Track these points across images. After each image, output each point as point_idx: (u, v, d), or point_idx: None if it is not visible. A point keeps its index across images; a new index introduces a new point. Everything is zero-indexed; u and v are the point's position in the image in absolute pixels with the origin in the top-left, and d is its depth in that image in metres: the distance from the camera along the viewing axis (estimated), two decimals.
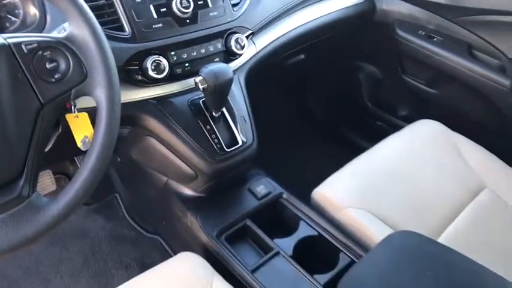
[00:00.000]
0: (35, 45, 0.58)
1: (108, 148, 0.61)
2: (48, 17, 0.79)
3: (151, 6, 0.85)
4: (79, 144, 0.78)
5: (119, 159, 1.28)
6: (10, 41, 0.57)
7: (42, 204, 0.59)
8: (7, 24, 0.86)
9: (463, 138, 1.19)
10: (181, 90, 0.91)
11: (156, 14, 0.85)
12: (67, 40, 0.60)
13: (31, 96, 0.57)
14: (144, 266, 1.27)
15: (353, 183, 1.03)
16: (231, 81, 0.85)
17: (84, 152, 0.79)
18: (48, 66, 0.59)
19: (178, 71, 0.88)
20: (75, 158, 1.39)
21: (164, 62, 0.84)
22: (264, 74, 1.11)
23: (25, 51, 0.57)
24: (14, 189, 0.58)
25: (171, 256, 0.88)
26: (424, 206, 1.01)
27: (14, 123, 0.56)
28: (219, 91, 0.85)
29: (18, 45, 0.57)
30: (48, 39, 0.59)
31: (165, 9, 0.86)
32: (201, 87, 0.83)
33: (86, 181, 0.60)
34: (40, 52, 0.58)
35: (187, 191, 1.03)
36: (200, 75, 0.83)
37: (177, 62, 0.87)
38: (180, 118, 0.89)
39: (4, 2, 0.85)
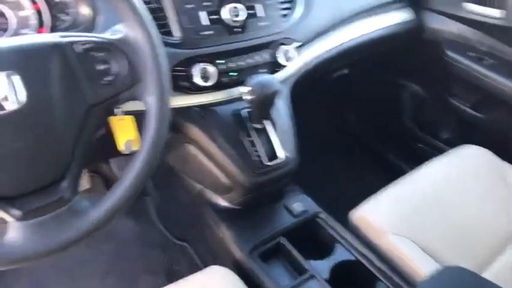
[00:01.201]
0: (89, 45, 0.57)
1: (154, 156, 0.59)
2: (99, 18, 0.78)
3: (202, 12, 0.83)
4: (121, 147, 0.77)
5: None
6: (65, 39, 0.56)
7: (83, 209, 0.58)
8: (57, 23, 0.86)
9: (510, 167, 1.13)
10: (226, 99, 0.89)
11: (206, 20, 0.83)
12: (121, 42, 0.58)
13: (80, 97, 0.56)
14: (170, 273, 1.25)
15: (395, 208, 0.99)
16: (277, 93, 0.82)
17: (122, 154, 0.78)
18: (99, 68, 0.57)
19: (225, 79, 0.86)
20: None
21: (212, 69, 0.82)
22: (306, 87, 1.08)
23: (79, 51, 0.56)
24: (56, 191, 0.57)
25: (198, 265, 0.86)
26: (469, 237, 0.95)
27: (61, 124, 0.55)
28: (265, 103, 0.82)
29: (72, 44, 0.56)
30: (102, 40, 0.58)
31: (215, 16, 0.84)
32: (247, 97, 0.81)
33: (130, 188, 0.58)
34: (93, 53, 0.57)
35: (222, 202, 1.00)
36: (247, 86, 0.81)
37: (224, 70, 0.85)
38: (222, 128, 0.87)
39: (56, 0, 0.86)
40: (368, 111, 1.77)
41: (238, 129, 0.88)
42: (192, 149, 0.91)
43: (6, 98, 0.50)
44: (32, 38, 0.55)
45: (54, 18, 0.86)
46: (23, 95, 0.51)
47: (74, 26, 0.86)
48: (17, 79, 0.51)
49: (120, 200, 0.58)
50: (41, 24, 0.84)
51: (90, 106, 0.57)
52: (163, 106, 0.59)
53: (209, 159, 0.89)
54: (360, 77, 1.59)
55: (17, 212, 0.55)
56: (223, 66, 0.85)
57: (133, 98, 0.60)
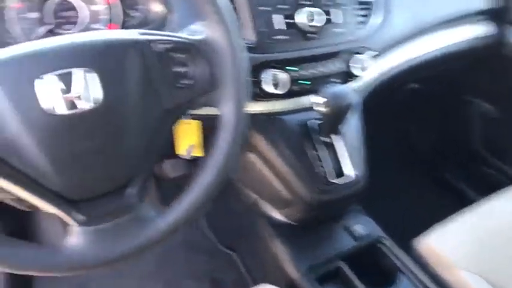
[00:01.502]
0: (169, 45, 0.53)
1: (227, 167, 0.55)
2: (173, 16, 0.75)
3: (276, 16, 0.78)
4: (182, 151, 0.73)
5: None
6: (144, 37, 0.52)
7: (149, 218, 0.54)
8: (127, 19, 0.84)
9: None
10: (294, 108, 0.83)
11: (281, 24, 0.78)
12: (202, 44, 0.54)
13: (156, 100, 0.52)
14: (214, 281, 1.21)
15: (466, 241, 0.90)
16: (352, 107, 0.76)
17: (178, 157, 0.74)
18: (177, 70, 0.53)
19: (296, 88, 0.80)
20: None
21: (283, 76, 0.77)
22: (376, 100, 1.00)
23: (157, 50, 0.52)
24: (122, 197, 0.53)
25: (245, 277, 0.81)
26: None
27: (134, 127, 0.52)
28: (338, 116, 0.76)
29: (151, 43, 0.52)
30: (183, 40, 0.53)
31: (290, 20, 0.79)
32: (320, 109, 0.75)
33: (200, 199, 0.54)
34: (172, 54, 0.53)
35: (278, 216, 0.95)
36: (321, 97, 0.75)
37: (296, 78, 0.80)
38: (288, 138, 0.82)
39: None
40: (433, 130, 1.66)
41: (305, 141, 0.82)
42: (253, 158, 0.87)
43: (79, 97, 0.47)
44: (110, 34, 0.52)
45: (124, 14, 0.84)
46: (98, 94, 0.48)
47: (144, 23, 0.84)
48: (93, 77, 0.48)
49: (189, 210, 0.54)
50: (111, 19, 0.82)
51: (165, 110, 0.53)
52: (240, 115, 0.55)
53: (270, 170, 0.84)
54: (429, 92, 1.49)
55: (80, 217, 0.51)
56: (295, 74, 0.80)
57: (209, 104, 0.56)
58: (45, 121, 0.47)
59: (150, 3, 0.81)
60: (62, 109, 0.47)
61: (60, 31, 0.79)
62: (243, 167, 0.94)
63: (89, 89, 0.47)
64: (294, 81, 0.80)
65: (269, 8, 0.78)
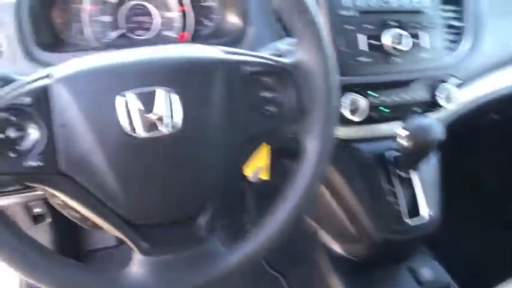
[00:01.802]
0: (258, 68, 0.48)
1: (304, 203, 0.49)
2: (250, 30, 0.70)
3: (361, 36, 0.72)
4: (249, 173, 0.68)
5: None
6: (230, 57, 0.47)
7: (218, 253, 0.49)
8: (200, 28, 0.81)
9: None
10: (370, 136, 0.76)
11: (365, 45, 0.72)
12: (293, 67, 0.48)
13: (238, 127, 0.47)
14: None
15: None
16: (437, 142, 0.68)
17: (244, 179, 0.69)
18: (264, 95, 0.48)
19: (374, 114, 0.74)
20: None
21: (363, 102, 0.71)
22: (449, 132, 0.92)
23: (245, 72, 0.47)
24: (191, 227, 0.49)
25: None
26: None
27: (212, 154, 0.47)
28: (421, 152, 0.69)
29: (238, 64, 0.47)
30: (273, 63, 0.48)
31: (375, 41, 0.73)
32: (401, 142, 0.68)
33: (274, 234, 0.49)
34: (260, 77, 0.48)
35: (339, 249, 0.88)
36: (403, 128, 0.68)
37: (375, 104, 0.73)
38: (362, 169, 0.75)
39: (202, 4, 0.80)
40: (507, 169, 1.53)
41: (379, 173, 0.76)
42: (320, 187, 0.80)
43: (160, 119, 0.43)
44: (195, 51, 0.48)
45: (197, 22, 0.80)
46: (179, 117, 0.44)
47: (216, 34, 0.80)
48: (176, 98, 0.43)
49: (262, 246, 0.49)
50: (184, 27, 0.78)
51: (246, 138, 0.48)
52: (326, 151, 0.49)
53: (338, 201, 0.78)
54: (506, 126, 1.37)
55: (145, 245, 0.47)
56: (375, 100, 0.73)
57: (293, 134, 0.50)
58: (121, 141, 0.43)
59: (226, 13, 0.77)
60: (140, 130, 0.42)
61: (132, 36, 0.76)
62: None
63: (171, 111, 0.43)
64: (372, 107, 0.73)
65: (354, 27, 0.72)
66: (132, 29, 0.76)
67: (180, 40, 0.78)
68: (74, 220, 0.63)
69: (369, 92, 0.72)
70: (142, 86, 0.43)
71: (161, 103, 0.43)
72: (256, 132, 0.48)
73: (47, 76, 0.44)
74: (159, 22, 0.77)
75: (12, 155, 0.42)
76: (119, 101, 0.42)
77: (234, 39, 0.70)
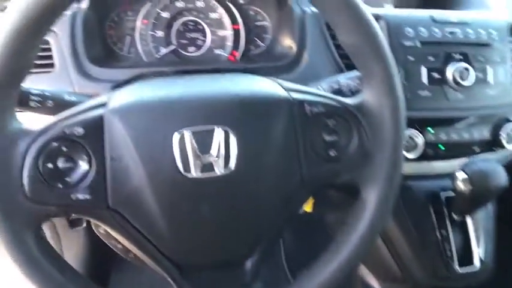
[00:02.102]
0: (321, 109, 0.45)
1: (358, 257, 0.46)
2: (305, 55, 0.67)
3: (423, 68, 0.68)
4: None
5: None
6: (293, 95, 0.45)
7: None
8: (251, 47, 0.78)
9: None
10: (423, 174, 0.72)
11: (427, 79, 0.68)
12: (359, 109, 0.45)
13: (295, 171, 0.44)
14: None
15: None
16: (500, 189, 0.63)
17: None
18: (326, 138, 0.45)
19: (430, 152, 0.69)
20: None
21: (419, 139, 0.67)
22: None
23: (307, 113, 0.44)
24: (236, 272, 0.46)
25: None
26: None
27: (265, 198, 0.44)
28: (480, 198, 0.64)
29: (302, 103, 0.44)
30: (337, 104, 0.45)
31: (437, 75, 0.68)
32: (460, 186, 0.63)
33: (326, 280, 0.45)
34: (323, 118, 0.45)
35: (377, 286, 0.84)
36: (463, 171, 0.63)
37: (432, 141, 0.69)
38: (411, 208, 0.71)
39: (257, 23, 0.78)
40: None
41: (431, 214, 0.71)
42: None
43: (217, 160, 0.40)
44: (256, 86, 0.45)
45: (249, 41, 0.78)
46: (234, 158, 0.41)
47: (267, 55, 0.77)
48: (234, 138, 0.41)
49: None
50: (235, 46, 0.77)
51: (303, 183, 0.45)
52: (389, 200, 0.45)
53: (384, 238, 0.74)
54: None
55: (187, 286, 0.45)
56: (432, 137, 0.69)
57: (351, 183, 0.47)
58: (173, 180, 0.41)
59: (280, 34, 0.75)
60: (195, 171, 0.40)
61: (183, 52, 0.75)
62: None
63: (228, 151, 0.41)
64: (428, 144, 0.69)
65: (415, 59, 0.68)
66: (183, 45, 0.75)
67: (231, 60, 0.76)
68: (115, 250, 0.62)
69: (427, 128, 0.68)
70: (201, 123, 0.41)
71: (219, 143, 0.41)
72: (314, 177, 0.45)
73: (102, 105, 0.42)
74: (212, 40, 0.76)
75: (60, 186, 0.40)
76: (176, 139, 0.40)
77: (288, 64, 0.67)
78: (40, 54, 0.61)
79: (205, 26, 0.75)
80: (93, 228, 0.62)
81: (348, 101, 0.46)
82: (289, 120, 0.43)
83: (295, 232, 1.14)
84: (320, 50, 0.67)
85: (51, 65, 0.62)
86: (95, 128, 0.40)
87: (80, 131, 0.40)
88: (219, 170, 0.41)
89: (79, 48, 0.63)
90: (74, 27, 0.63)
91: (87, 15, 0.65)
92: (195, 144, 0.40)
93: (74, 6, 0.65)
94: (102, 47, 0.72)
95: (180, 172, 0.40)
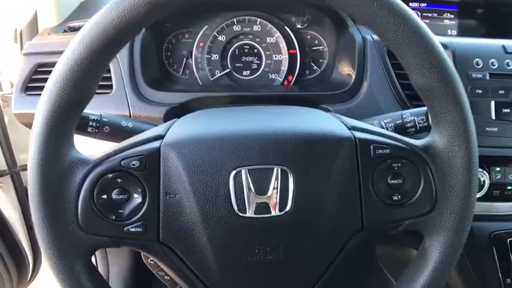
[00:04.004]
0: (386, 150, 0.42)
1: None
2: (365, 85, 0.64)
3: (492, 102, 0.64)
4: None
5: None
6: (359, 135, 0.42)
7: None
8: (307, 72, 0.77)
9: None
10: (485, 214, 0.67)
11: (495, 114, 0.63)
12: (427, 152, 0.42)
13: (354, 212, 0.42)
14: None
15: None
16: None
17: None
18: (389, 181, 0.42)
19: (496, 192, 0.65)
20: None
21: (485, 177, 0.63)
22: None
23: (371, 154, 0.42)
24: None
25: None
26: None
27: (321, 240, 0.42)
28: None
29: (365, 144, 0.42)
30: (403, 145, 0.42)
31: (505, 109, 0.64)
32: None
33: None
34: (388, 161, 0.42)
35: None
36: None
37: (498, 181, 0.64)
38: (471, 251, 0.65)
39: (314, 48, 0.76)
40: None
41: (493, 259, 0.66)
42: None
43: (274, 201, 0.39)
44: (319, 124, 0.43)
45: (304, 66, 0.76)
46: (290, 201, 0.40)
47: (322, 81, 0.76)
48: (291, 179, 0.39)
49: None
50: (290, 71, 0.75)
51: (364, 228, 0.42)
52: (455, 253, 0.42)
53: None
54: None
55: None
56: (499, 176, 0.64)
57: (416, 231, 0.44)
58: (228, 219, 0.39)
59: (338, 61, 0.72)
60: (250, 211, 0.39)
61: (237, 76, 0.74)
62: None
63: (286, 192, 0.39)
64: (495, 185, 0.64)
65: (483, 92, 0.64)
66: (238, 69, 0.75)
67: (285, 85, 0.75)
68: (162, 280, 0.62)
69: (495, 167, 0.64)
70: (260, 163, 0.39)
71: (276, 184, 0.39)
72: (375, 223, 0.42)
73: (159, 138, 0.41)
74: (267, 64, 0.75)
75: (113, 217, 0.40)
76: (232, 176, 0.39)
77: (346, 92, 0.65)
78: None
79: (261, 50, 0.74)
80: (143, 258, 0.62)
81: (416, 142, 0.43)
82: (351, 162, 0.41)
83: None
84: (381, 80, 0.64)
85: (109, 86, 0.63)
86: (151, 161, 0.40)
87: (135, 163, 0.40)
88: (275, 211, 0.39)
89: (136, 71, 0.63)
90: (133, 50, 0.64)
91: (145, 38, 0.66)
92: (251, 184, 0.39)
93: None
94: (158, 69, 0.72)
95: (234, 211, 0.39)
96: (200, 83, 0.73)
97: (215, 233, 0.40)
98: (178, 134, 0.42)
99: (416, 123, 0.51)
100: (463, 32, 0.80)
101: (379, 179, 0.42)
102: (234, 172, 0.39)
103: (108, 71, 0.63)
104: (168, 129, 0.43)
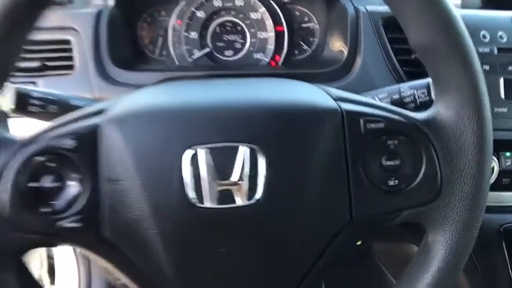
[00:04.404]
0: (380, 125, 0.35)
1: None
2: (358, 60, 0.58)
3: (501, 80, 0.57)
4: None
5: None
6: (345, 106, 0.35)
7: None
8: (296, 52, 0.70)
9: None
10: (494, 205, 0.60)
11: (505, 92, 0.57)
12: (430, 128, 0.35)
13: (342, 200, 0.35)
14: None
15: None
16: None
17: None
18: (383, 163, 0.35)
19: (505, 180, 0.58)
20: None
21: (494, 164, 0.56)
22: None
23: (362, 129, 0.35)
24: None
25: None
26: None
27: (300, 237, 0.35)
28: None
29: (357, 117, 0.35)
30: (401, 119, 0.35)
31: None
32: None
33: None
34: (382, 137, 0.35)
35: None
36: None
37: (509, 168, 0.58)
38: (477, 245, 0.59)
39: (303, 25, 0.69)
40: None
41: (501, 253, 0.60)
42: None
43: (239, 187, 0.32)
44: (296, 94, 0.36)
45: (293, 45, 0.70)
46: (261, 186, 0.33)
47: (313, 61, 0.69)
48: (261, 161, 0.32)
49: None
50: (278, 50, 0.68)
51: (353, 220, 0.35)
52: (464, 251, 0.35)
53: None
54: None
55: None
56: (509, 162, 0.58)
57: (417, 222, 0.37)
58: (183, 211, 0.33)
59: (329, 37, 0.66)
60: (210, 201, 0.32)
61: (219, 56, 0.68)
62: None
63: (255, 176, 0.32)
64: (503, 171, 0.57)
65: (491, 68, 0.57)
66: (219, 49, 0.68)
67: (272, 65, 0.68)
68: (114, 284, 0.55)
69: (505, 152, 0.57)
70: (221, 139, 0.32)
71: (243, 166, 0.32)
72: (366, 214, 0.35)
73: (99, 113, 0.34)
74: (252, 43, 0.68)
75: (45, 210, 0.33)
76: (187, 158, 0.32)
77: (337, 70, 0.58)
78: (59, 54, 0.57)
79: (244, 27, 0.67)
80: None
81: (416, 115, 0.36)
82: (337, 139, 0.34)
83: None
84: (376, 55, 0.57)
85: (71, 67, 0.57)
86: (88, 141, 0.33)
87: (70, 143, 0.32)
88: (241, 199, 0.32)
89: (102, 48, 0.57)
90: (99, 26, 0.57)
91: (113, 13, 0.59)
92: (211, 167, 0.32)
93: (99, 3, 0.60)
94: (132, 49, 0.66)
95: (190, 201, 0.32)
96: (177, 64, 0.67)
97: (168, 228, 0.33)
98: (122, 108, 0.35)
99: (416, 97, 0.44)
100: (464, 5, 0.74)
101: (371, 160, 0.35)
102: (189, 152, 0.32)
103: (70, 49, 0.57)
104: (113, 103, 0.36)
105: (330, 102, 0.35)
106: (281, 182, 0.33)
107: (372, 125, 0.34)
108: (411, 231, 0.55)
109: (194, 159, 0.32)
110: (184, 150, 0.32)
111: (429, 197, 0.35)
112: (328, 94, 0.36)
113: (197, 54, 0.67)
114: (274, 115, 0.34)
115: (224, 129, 0.33)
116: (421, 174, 0.35)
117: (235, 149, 0.32)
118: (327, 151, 0.34)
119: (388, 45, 0.58)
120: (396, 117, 0.35)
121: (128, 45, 0.65)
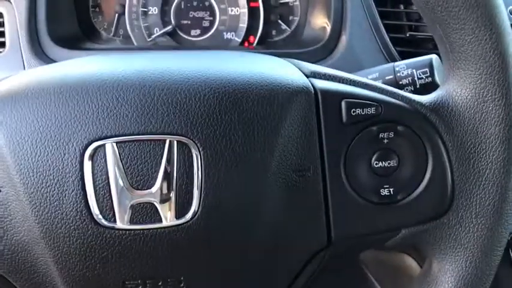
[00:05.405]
0: (370, 110, 0.26)
1: None
2: (344, 38, 0.49)
3: None
4: None
5: None
6: (320, 84, 0.26)
7: None
8: (273, 32, 0.62)
9: None
10: None
11: None
12: (438, 114, 0.26)
13: (317, 220, 0.26)
14: None
15: None
16: None
17: None
18: (373, 163, 0.26)
19: None
20: None
21: None
22: None
23: (344, 117, 0.26)
24: None
25: None
26: None
27: (251, 262, 0.26)
28: None
29: (339, 98, 0.25)
30: (398, 102, 0.26)
31: None
32: None
33: None
34: (372, 128, 0.26)
35: None
36: None
37: None
38: None
39: (282, 1, 0.61)
40: None
41: (507, 262, 0.52)
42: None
43: (164, 200, 0.23)
44: (257, 69, 0.27)
45: (269, 24, 0.61)
46: (196, 199, 0.23)
47: (293, 41, 0.61)
48: (198, 161, 0.23)
49: None
50: (250, 29, 0.60)
51: (331, 243, 0.26)
52: (483, 284, 0.26)
53: None
54: None
55: None
56: None
57: (415, 244, 0.28)
58: (85, 232, 0.23)
59: (310, 13, 0.57)
60: (123, 218, 0.23)
61: (184, 36, 0.59)
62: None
63: (190, 184, 0.23)
64: None
65: None
66: (184, 27, 0.59)
67: (245, 47, 0.59)
68: None
69: None
70: (140, 131, 0.23)
71: (170, 169, 0.23)
72: (349, 234, 0.26)
73: None
74: (222, 20, 0.59)
75: None
76: (89, 156, 0.23)
77: (319, 49, 0.51)
78: None
79: (213, 2, 0.59)
80: None
81: (420, 98, 0.27)
82: (308, 130, 0.25)
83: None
84: (364, 32, 0.49)
85: (3, 44, 0.49)
86: None
87: None
88: (168, 218, 0.23)
89: (40, 23, 0.49)
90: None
91: None
92: (123, 168, 0.23)
93: None
94: (82, 26, 0.57)
95: (93, 218, 0.23)
96: (135, 44, 0.58)
97: (65, 254, 0.24)
98: (5, 85, 0.25)
99: (416, 78, 0.35)
100: None
101: (357, 159, 0.26)
102: (91, 147, 0.23)
103: (1, 23, 0.49)
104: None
105: (299, 79, 0.26)
106: (225, 193, 0.24)
107: (358, 111, 0.25)
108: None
109: (99, 158, 0.23)
110: (87, 146, 0.23)
111: (436, 211, 0.26)
112: (299, 68, 0.27)
113: (157, 33, 0.58)
114: (217, 96, 0.24)
115: (143, 114, 0.23)
116: (425, 180, 0.26)
117: (160, 144, 0.23)
118: (292, 148, 0.25)
119: (380, 21, 0.49)
120: (392, 100, 0.26)
121: (74, 21, 0.56)
